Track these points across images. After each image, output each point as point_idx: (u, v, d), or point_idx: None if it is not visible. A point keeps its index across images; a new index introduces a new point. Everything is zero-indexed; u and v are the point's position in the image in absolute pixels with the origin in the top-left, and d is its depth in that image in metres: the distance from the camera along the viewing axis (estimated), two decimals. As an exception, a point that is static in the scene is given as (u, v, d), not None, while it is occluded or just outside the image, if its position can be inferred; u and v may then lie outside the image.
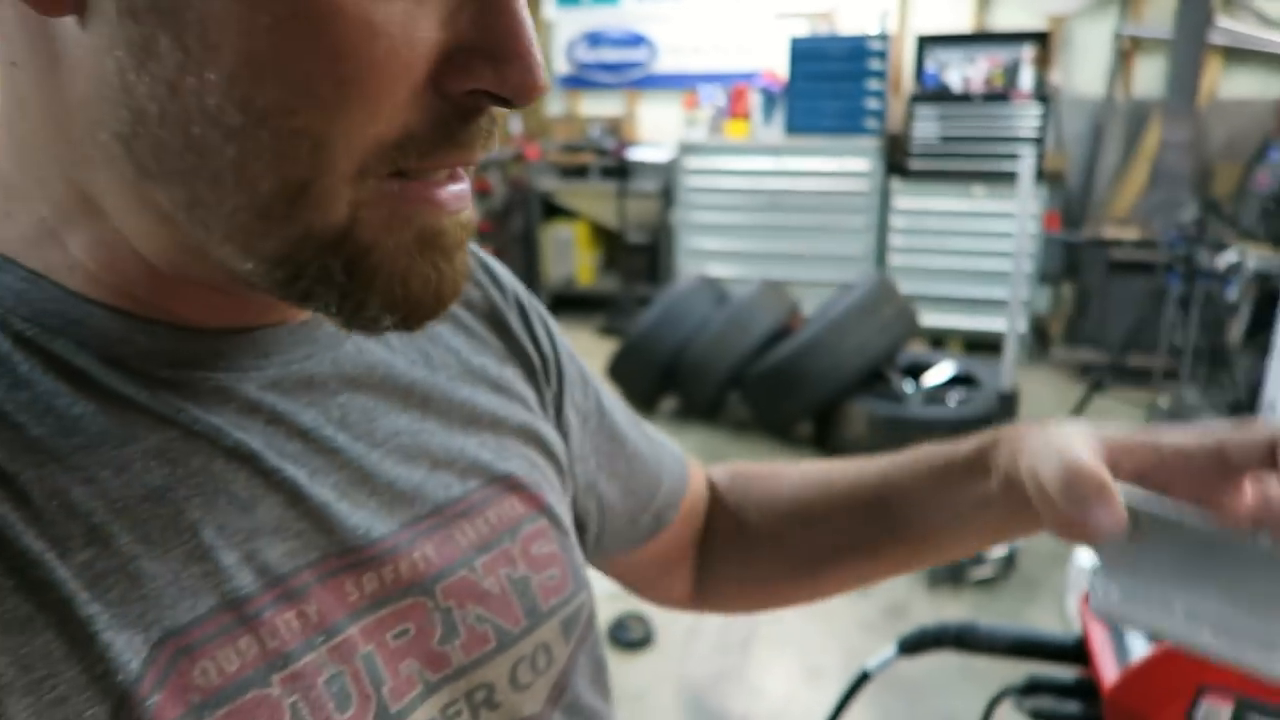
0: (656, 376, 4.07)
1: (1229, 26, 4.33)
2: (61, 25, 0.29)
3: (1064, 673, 1.02)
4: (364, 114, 0.29)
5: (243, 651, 0.33)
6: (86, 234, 0.33)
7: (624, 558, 0.61)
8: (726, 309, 3.97)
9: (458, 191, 0.34)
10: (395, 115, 0.30)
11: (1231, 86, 4.51)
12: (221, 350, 0.36)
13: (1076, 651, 1.01)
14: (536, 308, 0.53)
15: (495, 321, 0.50)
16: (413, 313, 0.34)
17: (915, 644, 1.06)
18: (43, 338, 0.33)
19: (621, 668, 2.30)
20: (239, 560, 0.34)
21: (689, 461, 0.65)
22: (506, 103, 0.32)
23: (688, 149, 5.03)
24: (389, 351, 0.43)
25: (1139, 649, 0.94)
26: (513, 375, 0.49)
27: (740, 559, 0.63)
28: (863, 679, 1.08)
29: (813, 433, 3.80)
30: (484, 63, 0.31)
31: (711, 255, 5.02)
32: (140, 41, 0.28)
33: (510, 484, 0.45)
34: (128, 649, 0.30)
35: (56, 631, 0.29)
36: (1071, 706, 1.00)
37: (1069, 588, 2.49)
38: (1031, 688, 1.03)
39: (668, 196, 5.21)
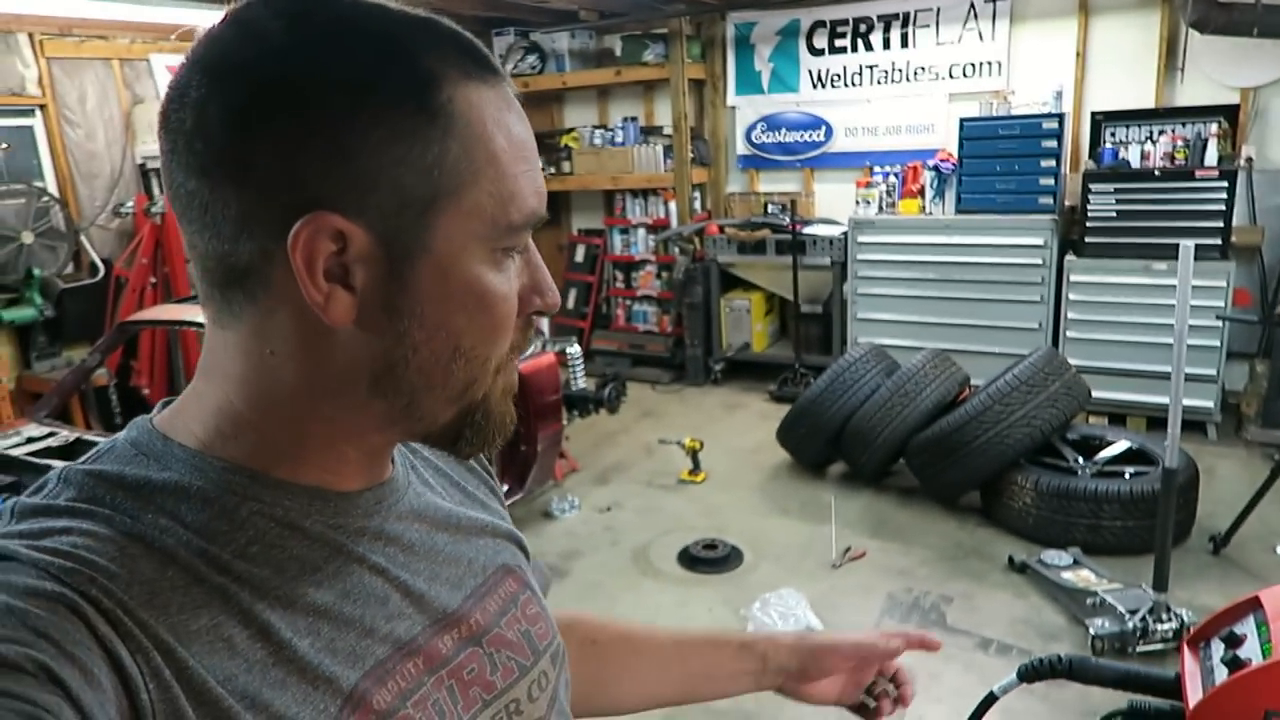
0: (824, 442, 4.25)
1: None
2: (336, 328, 0.52)
3: (1160, 703, 1.21)
4: (504, 341, 0.56)
5: (391, 690, 0.55)
6: (286, 439, 0.55)
7: None
8: (894, 378, 4.09)
9: (520, 360, 0.58)
10: (510, 336, 0.57)
11: None
12: (359, 503, 0.59)
13: (1173, 686, 1.20)
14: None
15: (473, 464, 0.76)
16: (501, 439, 0.60)
17: (1034, 673, 1.28)
18: (269, 509, 0.54)
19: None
20: (384, 636, 0.56)
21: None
22: (544, 314, 0.60)
23: (860, 225, 5.28)
24: (432, 493, 0.67)
25: (1220, 677, 1.13)
26: (489, 496, 0.75)
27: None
28: (990, 700, 1.31)
29: (979, 501, 3.88)
30: (538, 296, 0.58)
31: (883, 326, 5.20)
32: (397, 330, 0.52)
33: (507, 570, 0.69)
34: (343, 679, 0.53)
35: (299, 678, 0.51)
36: (1165, 727, 1.19)
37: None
38: (1133, 713, 1.22)
39: (841, 269, 5.46)
